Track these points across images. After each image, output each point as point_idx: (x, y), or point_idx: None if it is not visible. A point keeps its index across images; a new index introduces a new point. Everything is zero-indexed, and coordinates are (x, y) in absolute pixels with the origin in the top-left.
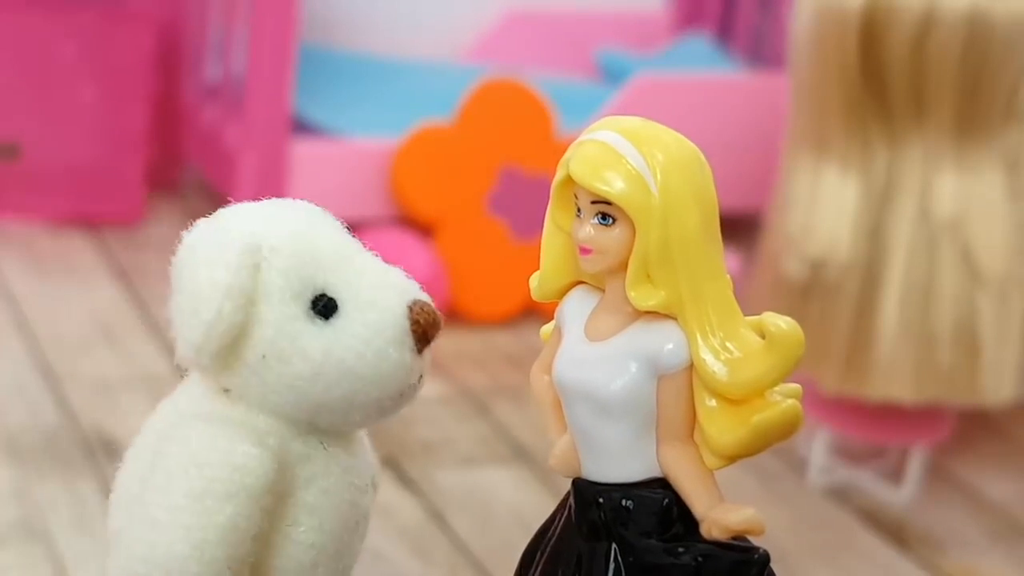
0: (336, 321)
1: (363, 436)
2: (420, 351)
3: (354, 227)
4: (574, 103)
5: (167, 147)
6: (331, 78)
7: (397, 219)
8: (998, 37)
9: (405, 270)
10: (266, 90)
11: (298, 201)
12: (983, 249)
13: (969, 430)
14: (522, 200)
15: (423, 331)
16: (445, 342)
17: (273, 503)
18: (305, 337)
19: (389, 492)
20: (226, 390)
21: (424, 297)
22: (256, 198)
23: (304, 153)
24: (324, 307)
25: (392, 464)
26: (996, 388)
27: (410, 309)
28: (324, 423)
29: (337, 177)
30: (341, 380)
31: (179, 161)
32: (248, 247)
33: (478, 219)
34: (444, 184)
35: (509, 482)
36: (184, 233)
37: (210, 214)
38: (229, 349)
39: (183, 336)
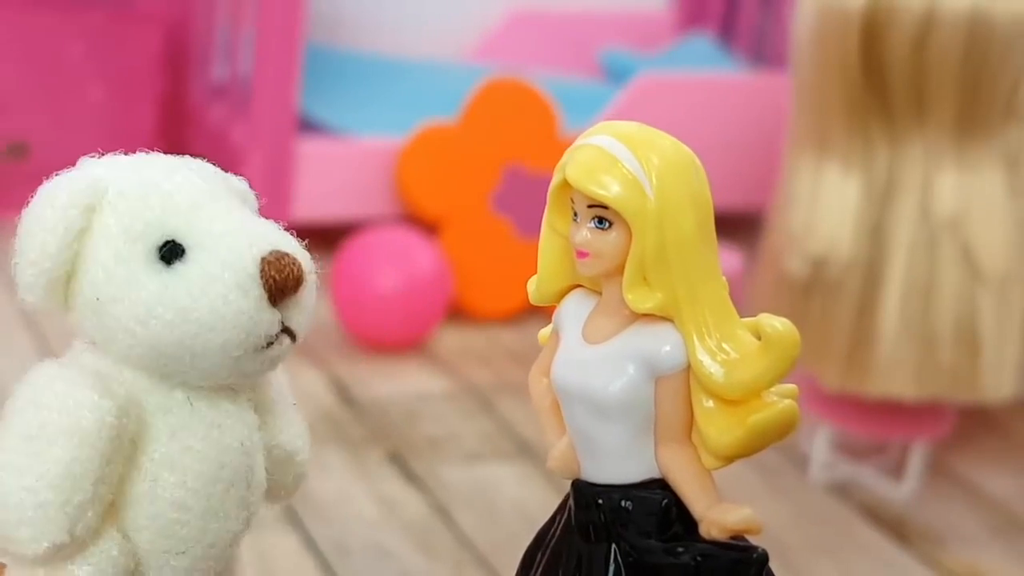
0: (179, 266)
1: (289, 413)
2: (274, 303)
3: (359, 225)
4: (578, 102)
5: (174, 146)
6: (337, 78)
7: (402, 217)
8: (998, 37)
9: (410, 269)
10: (272, 90)
11: (178, 157)
12: (983, 247)
13: (969, 426)
14: (526, 198)
15: (275, 282)
16: (450, 339)
17: (118, 453)
18: (140, 279)
19: (394, 488)
20: (93, 342)
21: (292, 250)
22: (263, 196)
23: (310, 152)
24: (168, 252)
25: (397, 460)
26: (996, 385)
27: (263, 259)
28: (174, 373)
29: (343, 176)
30: (177, 324)
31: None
32: (84, 188)
33: (482, 217)
34: (449, 183)
35: (513, 478)
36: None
37: None
38: (64, 289)
39: (17, 276)
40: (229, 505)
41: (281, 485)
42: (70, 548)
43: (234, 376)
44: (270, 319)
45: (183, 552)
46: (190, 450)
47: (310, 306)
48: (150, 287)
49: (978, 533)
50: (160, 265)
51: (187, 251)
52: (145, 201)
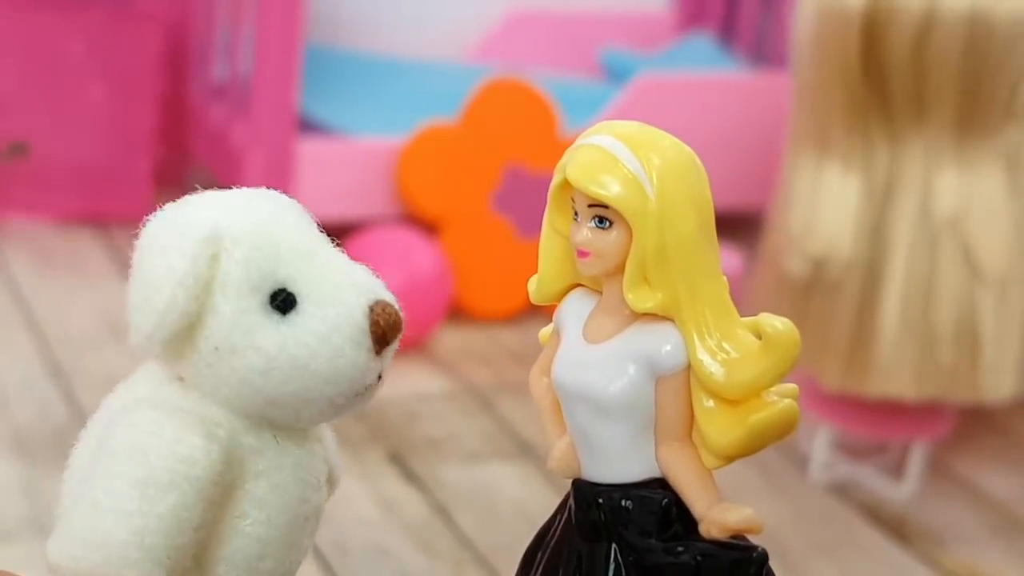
0: (294, 316)
1: (324, 432)
2: (378, 352)
3: (359, 225)
4: (578, 102)
5: (174, 146)
6: (337, 77)
7: (402, 217)
8: (998, 37)
9: (409, 269)
10: (272, 89)
11: (267, 191)
12: (983, 247)
13: (969, 426)
14: (526, 198)
15: (382, 332)
16: (450, 339)
17: (219, 495)
18: (260, 331)
19: (394, 488)
20: (181, 378)
21: (387, 297)
22: None
23: (310, 152)
24: (283, 302)
25: (397, 460)
26: (996, 385)
27: (371, 309)
28: (276, 418)
29: (343, 176)
30: (294, 376)
31: (186, 160)
32: (208, 236)
33: (483, 217)
34: (449, 183)
35: (514, 478)
36: (148, 218)
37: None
38: (182, 338)
39: (136, 324)
40: (304, 537)
41: None
42: None
43: (329, 420)
44: (375, 368)
45: None
46: (276, 488)
47: (395, 348)
48: (270, 339)
49: (978, 533)
50: (276, 316)
51: (299, 300)
52: (260, 250)
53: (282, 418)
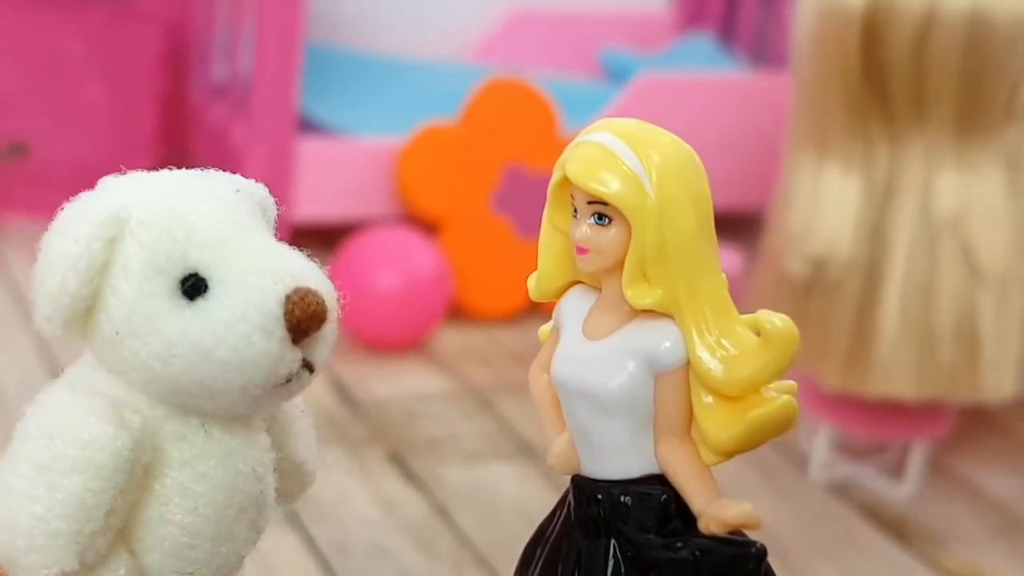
0: (201, 302)
1: (300, 424)
2: (295, 341)
3: (359, 225)
4: (578, 102)
5: (175, 145)
6: (337, 77)
7: (402, 217)
8: (998, 37)
9: (410, 269)
10: (272, 89)
11: (204, 172)
12: (983, 247)
13: (970, 426)
14: (526, 198)
15: (297, 321)
16: (450, 339)
17: (131, 483)
18: (163, 316)
19: (394, 488)
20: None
21: (316, 285)
22: None
23: (310, 152)
24: (191, 287)
25: (397, 460)
26: (996, 385)
27: (287, 297)
28: (192, 405)
29: (343, 176)
30: (197, 364)
31: (186, 159)
32: (108, 219)
33: (483, 217)
34: (449, 183)
35: (514, 477)
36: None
37: None
38: (83, 321)
39: (37, 304)
40: (239, 529)
41: (286, 494)
42: (79, 573)
43: (249, 410)
44: (292, 358)
45: (191, 573)
46: (203, 477)
47: (332, 339)
48: (172, 325)
49: (978, 533)
50: (183, 300)
51: (211, 286)
52: (169, 233)
53: (198, 405)
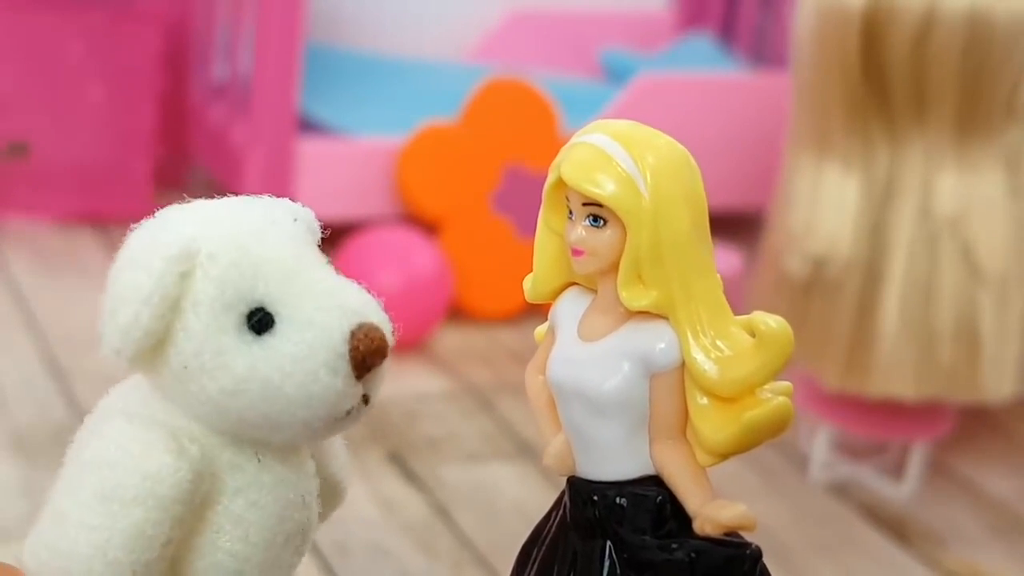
0: (268, 338)
1: (334, 445)
2: (358, 378)
3: (359, 225)
4: (578, 102)
5: (175, 146)
6: (337, 77)
7: (402, 217)
8: (998, 36)
9: (409, 269)
10: (272, 89)
11: (266, 199)
12: (983, 247)
13: (970, 426)
14: (526, 198)
15: (362, 358)
16: (450, 339)
17: (189, 512)
18: (231, 352)
19: (394, 488)
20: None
21: (376, 319)
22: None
23: (310, 152)
24: (258, 322)
25: (397, 460)
26: (996, 384)
27: (352, 334)
28: (249, 438)
29: (343, 175)
30: (265, 399)
31: (186, 160)
32: (179, 254)
33: (483, 217)
34: (449, 183)
35: (513, 478)
36: (134, 227)
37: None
38: (151, 354)
39: (105, 335)
40: (286, 555)
41: (320, 513)
42: None
43: (307, 442)
44: (354, 392)
45: None
46: (254, 505)
47: (386, 371)
48: (240, 361)
49: (978, 533)
50: (250, 336)
51: (277, 321)
52: (238, 267)
53: (256, 438)
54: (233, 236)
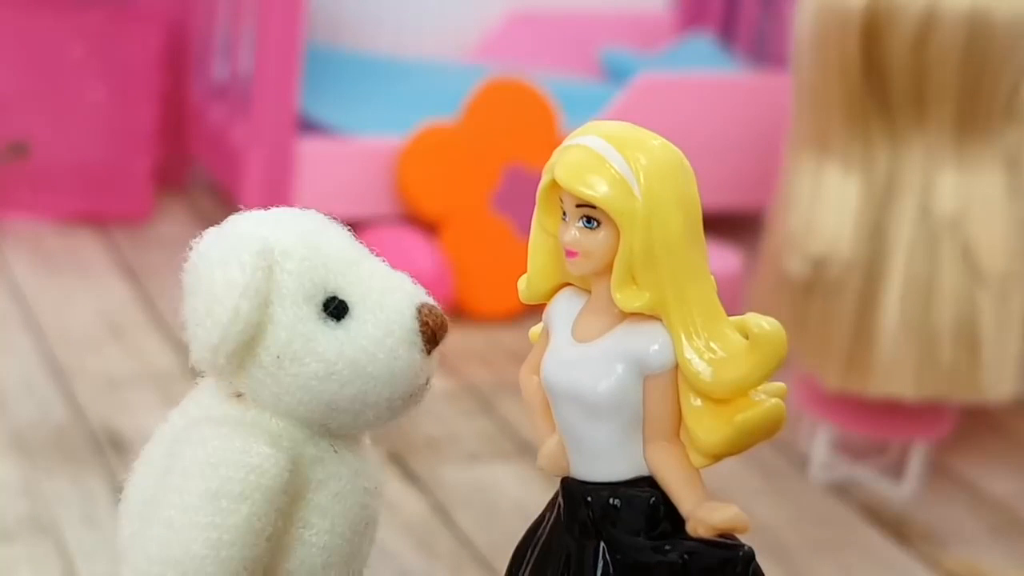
0: (348, 323)
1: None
2: (428, 352)
3: (359, 225)
4: (578, 102)
5: (175, 146)
6: (337, 77)
7: (402, 217)
8: (998, 37)
9: (409, 269)
10: (273, 89)
11: (304, 209)
12: (983, 247)
13: (970, 426)
14: (526, 198)
15: (432, 332)
16: (450, 339)
17: (287, 504)
18: (318, 338)
19: (394, 488)
20: (238, 395)
21: (431, 300)
22: (263, 196)
23: (310, 152)
24: (336, 309)
25: (397, 460)
26: (996, 384)
27: (419, 311)
28: (336, 424)
29: (343, 175)
30: (354, 380)
31: (187, 160)
32: (261, 249)
33: (483, 217)
34: (449, 182)
35: (513, 478)
36: (194, 239)
37: (218, 215)
38: (244, 350)
39: (199, 338)
40: (365, 545)
41: None
42: None
43: (386, 422)
44: (428, 368)
45: None
46: (337, 496)
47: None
48: (329, 346)
49: (979, 533)
50: (331, 323)
51: (351, 307)
52: (310, 261)
53: (342, 423)
54: (299, 234)
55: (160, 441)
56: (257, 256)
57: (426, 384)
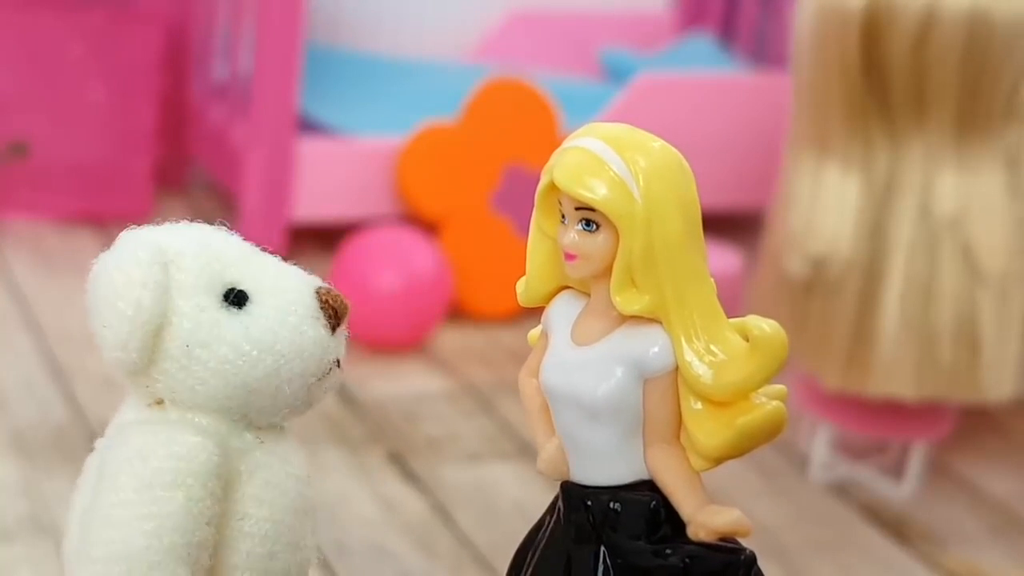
0: (250, 307)
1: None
2: (332, 328)
3: (359, 225)
4: (578, 102)
5: (175, 146)
6: (337, 78)
7: (402, 217)
8: (998, 36)
9: (409, 269)
10: (273, 89)
11: (195, 223)
12: (983, 247)
13: (970, 426)
14: (526, 198)
15: (333, 309)
16: (450, 339)
17: (221, 490)
18: (223, 323)
19: (394, 487)
20: (158, 402)
21: (327, 285)
22: (263, 196)
23: (310, 152)
24: (236, 297)
25: (397, 460)
26: (996, 384)
27: (317, 291)
28: (255, 409)
29: (343, 175)
30: (263, 358)
31: (187, 160)
32: (156, 249)
33: (483, 217)
34: (449, 183)
35: (513, 477)
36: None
37: (218, 215)
38: (153, 343)
39: (107, 339)
40: (305, 534)
41: None
42: None
43: (303, 406)
44: (334, 344)
45: None
46: (268, 484)
47: (345, 336)
48: (234, 329)
49: (978, 533)
50: (234, 310)
51: (250, 295)
52: (204, 257)
53: (261, 408)
54: (191, 237)
55: (92, 458)
56: (152, 253)
57: (336, 364)
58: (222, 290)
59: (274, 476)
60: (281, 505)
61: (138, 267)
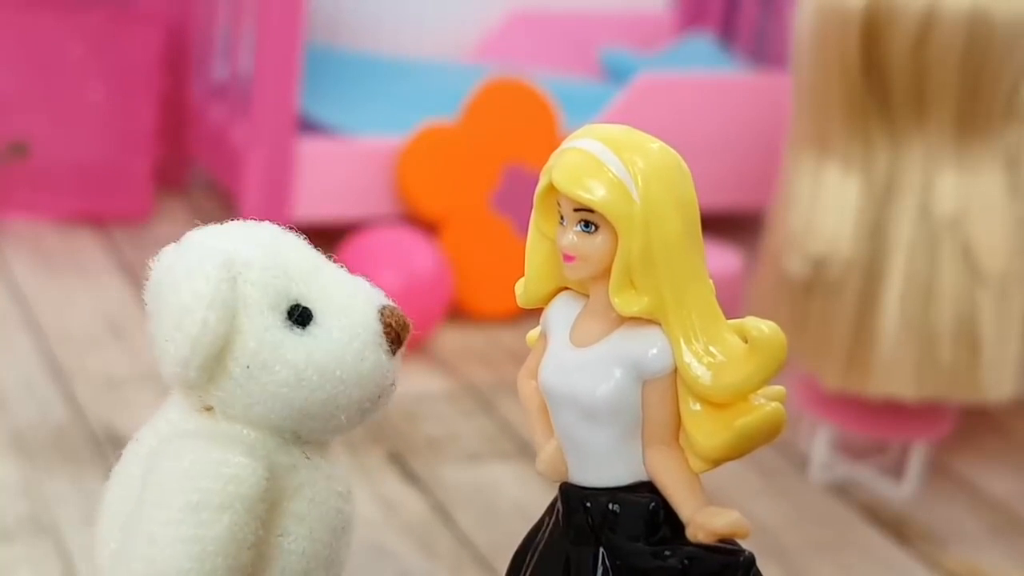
0: (313, 329)
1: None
2: (393, 352)
3: (359, 225)
4: (578, 102)
5: (175, 146)
6: (337, 77)
7: (402, 217)
8: (998, 36)
9: (409, 269)
10: (273, 89)
11: (262, 222)
12: (983, 247)
13: (970, 426)
14: (526, 198)
15: (395, 333)
16: (450, 339)
17: (265, 512)
18: (286, 345)
19: (394, 488)
20: (207, 408)
21: (390, 302)
22: (263, 196)
23: (310, 152)
24: (300, 316)
25: (397, 460)
26: (996, 384)
27: (381, 313)
28: (307, 430)
29: (343, 176)
30: (323, 385)
31: (187, 160)
32: (224, 261)
33: (483, 217)
34: (449, 183)
35: (513, 478)
36: (155, 258)
37: (218, 215)
38: (214, 362)
39: (169, 353)
40: (343, 550)
41: None
42: None
43: (354, 427)
44: (393, 369)
45: None
46: (312, 502)
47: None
48: (297, 352)
49: (979, 533)
50: (297, 330)
51: (315, 314)
52: (272, 270)
53: (313, 428)
54: (259, 245)
55: (133, 459)
56: (220, 268)
57: (392, 385)
58: (287, 307)
59: (318, 494)
60: (322, 523)
61: (207, 283)
